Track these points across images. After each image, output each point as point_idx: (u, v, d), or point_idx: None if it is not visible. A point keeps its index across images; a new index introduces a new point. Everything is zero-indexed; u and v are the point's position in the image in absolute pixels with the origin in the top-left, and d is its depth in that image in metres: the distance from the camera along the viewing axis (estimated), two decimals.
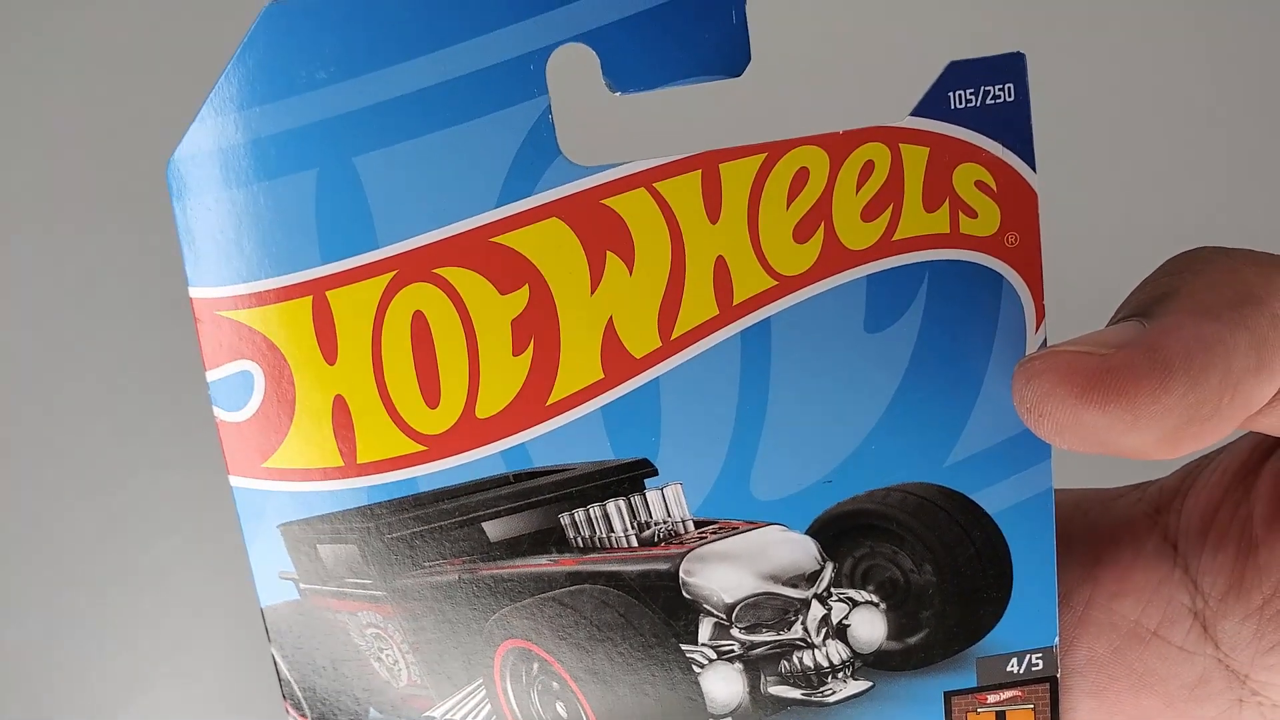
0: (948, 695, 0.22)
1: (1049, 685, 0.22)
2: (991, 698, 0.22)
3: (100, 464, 0.51)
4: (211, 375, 0.20)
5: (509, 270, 0.20)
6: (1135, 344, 0.17)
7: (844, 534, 0.21)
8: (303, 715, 0.22)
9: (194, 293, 0.20)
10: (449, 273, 0.20)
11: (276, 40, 0.19)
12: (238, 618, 0.51)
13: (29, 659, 0.52)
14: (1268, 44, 0.51)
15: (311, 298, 0.20)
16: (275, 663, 0.22)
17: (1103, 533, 0.23)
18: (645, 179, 0.19)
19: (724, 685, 0.21)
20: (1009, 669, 0.22)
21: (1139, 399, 0.17)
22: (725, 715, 0.22)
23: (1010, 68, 0.19)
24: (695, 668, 0.21)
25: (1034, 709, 0.22)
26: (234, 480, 0.21)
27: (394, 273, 0.20)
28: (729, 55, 0.19)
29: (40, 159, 0.49)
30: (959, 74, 0.19)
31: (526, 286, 0.20)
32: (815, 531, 0.21)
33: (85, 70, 0.49)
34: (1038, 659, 0.21)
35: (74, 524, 0.51)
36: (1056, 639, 0.21)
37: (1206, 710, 0.21)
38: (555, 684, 0.22)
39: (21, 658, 0.52)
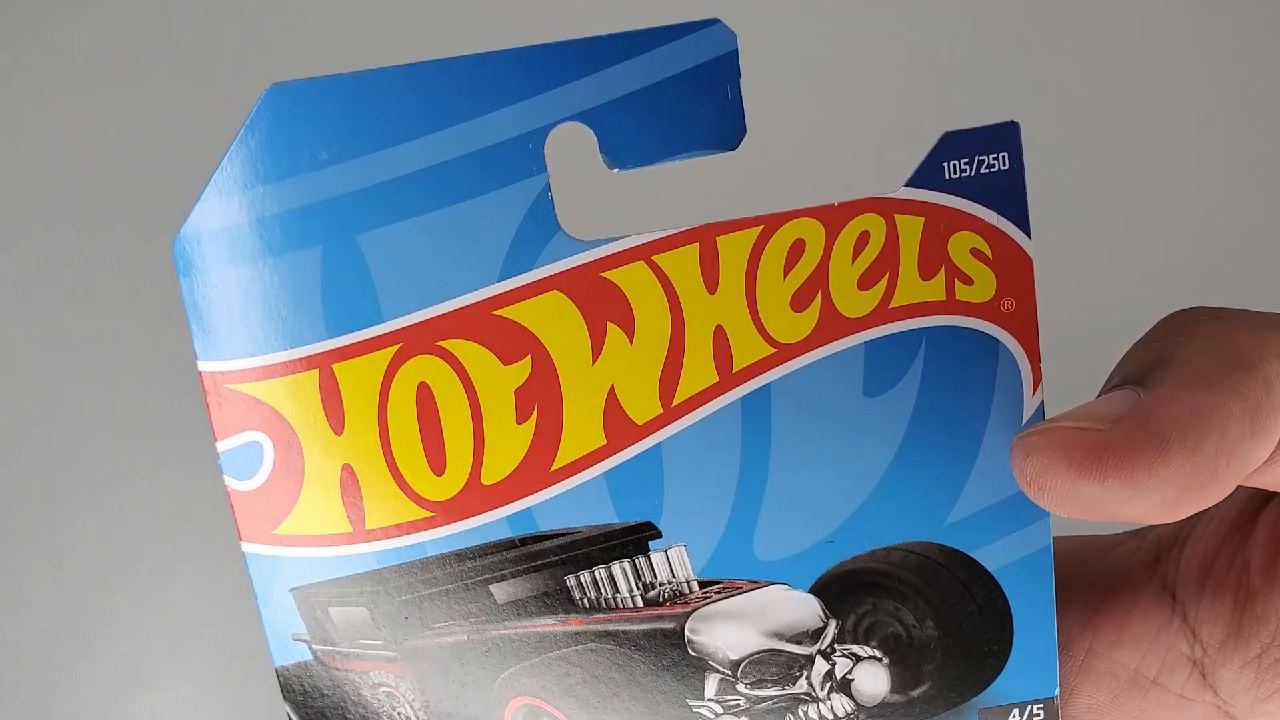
0: None
1: None
2: None
3: (101, 464, 0.51)
4: (222, 446, 0.21)
5: (511, 342, 0.20)
6: (1130, 417, 0.18)
7: (847, 592, 0.21)
8: None
9: (203, 366, 0.20)
10: (453, 345, 0.20)
11: (278, 122, 0.19)
12: (238, 618, 0.51)
13: (29, 659, 0.52)
14: (1263, 115, 0.52)
15: (318, 370, 0.20)
16: None
17: (1101, 581, 0.23)
18: (644, 252, 0.19)
19: None
20: (1011, 719, 0.22)
21: (1136, 473, 0.17)
22: None
23: (1005, 136, 0.19)
24: None
25: None
26: (245, 546, 0.21)
27: (399, 345, 0.20)
28: (724, 129, 0.19)
29: (42, 160, 0.50)
30: (953, 144, 0.19)
31: (529, 357, 0.20)
32: (818, 590, 0.21)
33: (86, 73, 0.49)
34: (1039, 709, 0.22)
35: (74, 524, 0.51)
36: (1057, 690, 0.22)
37: None
38: None
39: (21, 658, 0.52)
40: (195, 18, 0.49)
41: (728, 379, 0.20)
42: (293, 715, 0.22)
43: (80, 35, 0.49)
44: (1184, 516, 0.18)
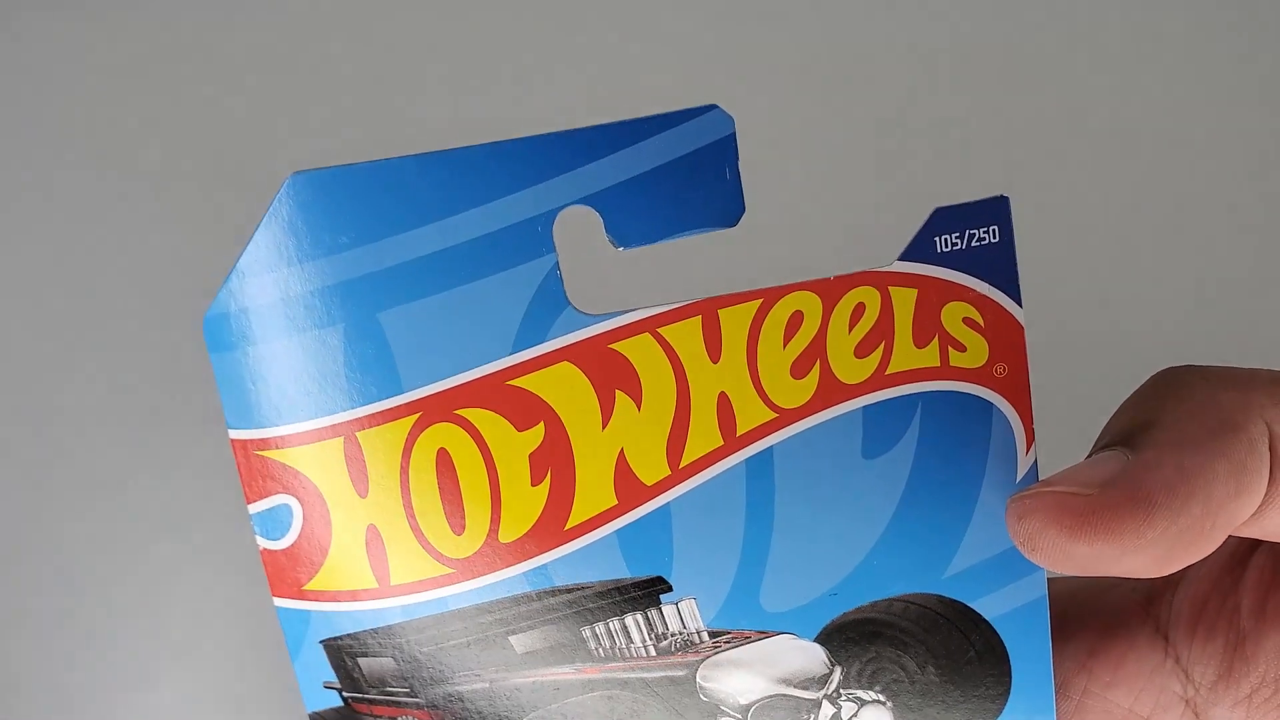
0: None
1: None
2: None
3: (102, 464, 0.52)
4: (253, 508, 0.22)
5: (525, 410, 0.21)
6: (1118, 482, 0.18)
7: (851, 641, 0.22)
8: None
9: (233, 434, 0.21)
10: (469, 413, 0.21)
11: (300, 208, 0.20)
12: (239, 619, 0.52)
13: (29, 659, 0.53)
14: (1247, 169, 0.52)
15: (343, 439, 0.21)
16: None
17: (1097, 623, 0.24)
18: (649, 324, 0.20)
19: None
20: None
21: (1124, 535, 0.18)
22: None
23: (994, 210, 0.20)
24: None
25: None
26: (277, 602, 0.22)
27: (419, 414, 0.21)
28: (724, 209, 0.20)
29: (45, 158, 0.50)
30: (944, 219, 0.20)
31: (542, 424, 0.21)
32: (823, 639, 0.22)
33: (90, 76, 0.50)
34: None
35: (75, 524, 0.52)
36: None
37: None
38: None
39: (22, 658, 0.53)
40: (214, 109, 0.50)
41: (732, 442, 0.21)
42: None
43: (108, 115, 0.50)
44: (1174, 571, 0.19)
